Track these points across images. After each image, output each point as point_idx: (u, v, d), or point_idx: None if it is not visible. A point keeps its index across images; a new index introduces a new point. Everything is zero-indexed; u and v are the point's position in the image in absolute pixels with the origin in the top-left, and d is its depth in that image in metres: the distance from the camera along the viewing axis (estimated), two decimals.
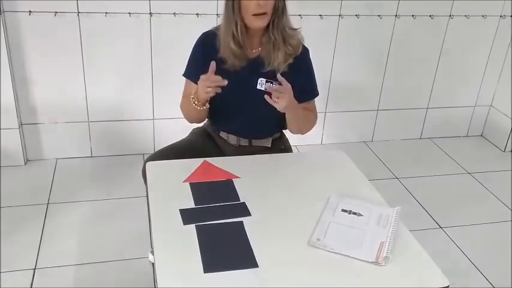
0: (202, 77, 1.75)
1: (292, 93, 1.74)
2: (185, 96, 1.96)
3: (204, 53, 1.88)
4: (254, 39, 1.86)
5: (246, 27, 1.80)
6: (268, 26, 1.80)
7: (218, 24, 1.91)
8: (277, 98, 1.71)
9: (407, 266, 1.35)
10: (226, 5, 1.79)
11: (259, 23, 1.77)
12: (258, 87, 1.85)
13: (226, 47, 1.81)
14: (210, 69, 1.74)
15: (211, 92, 1.74)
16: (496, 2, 3.28)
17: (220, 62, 1.84)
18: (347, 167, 1.85)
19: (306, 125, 1.98)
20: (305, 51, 1.91)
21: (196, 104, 1.82)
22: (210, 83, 1.72)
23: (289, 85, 1.73)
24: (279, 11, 1.79)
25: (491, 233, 2.62)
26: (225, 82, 1.72)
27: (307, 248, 1.38)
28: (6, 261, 2.20)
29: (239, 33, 1.78)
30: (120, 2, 2.74)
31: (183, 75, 1.96)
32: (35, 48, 2.76)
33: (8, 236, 2.35)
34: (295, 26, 1.88)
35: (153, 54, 2.91)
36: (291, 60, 1.85)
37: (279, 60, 1.82)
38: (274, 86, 1.71)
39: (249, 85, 1.85)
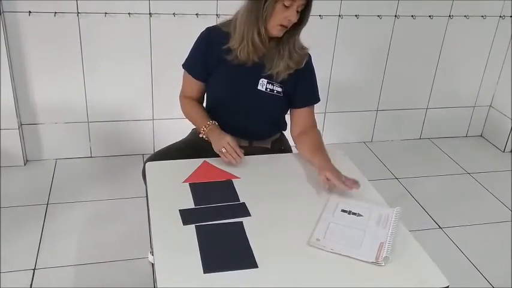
0: (233, 144, 1.76)
1: (332, 171, 1.66)
2: (186, 96, 1.97)
3: (207, 49, 1.88)
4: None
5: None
6: (281, 36, 1.79)
7: (224, 20, 1.89)
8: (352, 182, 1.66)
9: (407, 266, 1.35)
10: (255, 5, 1.73)
11: (278, 33, 1.76)
12: (259, 87, 1.85)
13: (249, 42, 1.76)
14: (238, 150, 1.76)
15: (221, 155, 1.77)
16: (495, 2, 3.29)
17: (221, 59, 1.83)
18: (347, 167, 1.84)
19: None
20: (308, 57, 1.89)
21: (203, 137, 1.86)
22: (232, 152, 1.75)
23: (333, 179, 1.65)
24: (297, 30, 1.78)
25: (491, 233, 2.62)
26: (238, 162, 1.76)
27: (307, 249, 1.38)
28: (6, 262, 2.20)
29: (263, 33, 1.76)
30: (119, 2, 2.74)
31: (183, 66, 1.96)
32: (35, 49, 2.76)
33: (7, 236, 2.35)
34: (304, 45, 1.86)
35: (153, 54, 2.91)
36: (291, 71, 1.84)
37: (280, 69, 1.81)
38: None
39: (250, 84, 1.85)
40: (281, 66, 1.81)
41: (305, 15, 1.76)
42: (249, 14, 1.75)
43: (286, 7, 1.70)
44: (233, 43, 1.80)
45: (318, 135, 1.93)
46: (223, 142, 1.77)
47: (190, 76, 1.94)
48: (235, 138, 1.89)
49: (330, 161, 1.74)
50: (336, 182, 1.62)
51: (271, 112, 1.94)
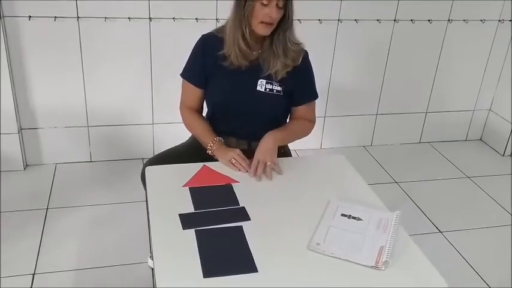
0: (242, 156, 1.78)
1: (263, 149, 1.78)
2: (187, 106, 1.98)
3: (203, 56, 1.89)
4: (256, 40, 1.86)
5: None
6: (273, 34, 1.81)
7: (218, 26, 1.91)
8: (269, 170, 1.75)
9: (406, 270, 1.34)
10: (238, 7, 1.78)
11: (265, 31, 1.78)
12: (258, 88, 1.86)
13: (235, 47, 1.80)
14: (245, 163, 1.77)
15: (230, 165, 1.77)
16: (494, 6, 3.29)
17: (219, 64, 1.85)
18: (346, 171, 1.85)
19: (300, 136, 2.00)
20: (305, 54, 1.92)
21: (209, 152, 1.87)
22: (241, 161, 1.76)
23: (256, 155, 1.77)
24: (286, 24, 1.80)
25: (491, 237, 2.62)
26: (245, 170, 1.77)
27: (307, 253, 1.38)
28: (6, 266, 2.19)
29: (247, 35, 1.79)
30: (119, 6, 2.74)
31: (181, 75, 1.97)
32: (35, 53, 2.76)
33: (7, 240, 2.35)
34: (298, 40, 1.88)
35: (153, 59, 2.92)
36: (289, 68, 1.86)
37: (277, 68, 1.83)
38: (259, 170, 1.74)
39: (249, 86, 1.86)
40: (278, 66, 1.83)
41: (288, 8, 1.78)
42: (233, 19, 1.80)
43: (265, 5, 1.73)
44: (226, 50, 1.83)
45: (301, 124, 1.97)
46: (232, 154, 1.78)
47: (189, 84, 1.95)
48: (235, 141, 1.94)
49: (274, 138, 1.82)
50: (253, 165, 1.74)
51: (272, 112, 1.95)
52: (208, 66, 1.89)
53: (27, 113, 2.89)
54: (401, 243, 1.43)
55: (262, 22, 1.75)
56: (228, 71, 1.85)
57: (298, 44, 1.88)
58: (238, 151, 1.80)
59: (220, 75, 1.87)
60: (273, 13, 1.73)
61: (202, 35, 1.94)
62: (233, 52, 1.81)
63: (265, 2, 1.72)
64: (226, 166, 1.80)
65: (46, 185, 2.83)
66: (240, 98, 1.89)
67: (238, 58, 1.82)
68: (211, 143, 1.87)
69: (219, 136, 1.98)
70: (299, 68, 1.89)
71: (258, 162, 1.74)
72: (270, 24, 1.76)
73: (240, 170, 1.76)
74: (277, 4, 1.73)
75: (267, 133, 1.84)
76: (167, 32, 2.85)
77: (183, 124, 2.01)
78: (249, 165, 1.76)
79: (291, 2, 1.78)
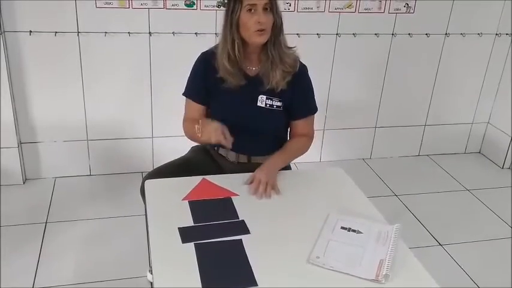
0: (219, 127, 1.73)
1: (265, 171, 1.77)
2: (188, 119, 1.98)
3: (204, 73, 1.91)
4: (252, 56, 1.88)
5: (243, 44, 1.82)
6: (266, 44, 1.83)
7: (217, 43, 1.93)
8: (269, 189, 1.73)
9: (406, 283, 1.34)
10: (224, 23, 1.81)
11: (260, 39, 1.79)
12: (259, 104, 1.87)
13: (223, 67, 1.82)
14: (226, 130, 1.74)
15: (217, 141, 1.75)
16: (491, 20, 3.32)
17: (219, 81, 1.86)
18: (346, 184, 1.85)
19: (299, 155, 2.00)
20: (303, 68, 1.94)
21: (199, 137, 1.83)
22: (223, 135, 1.73)
23: (258, 175, 1.76)
24: (277, 29, 1.82)
25: (491, 249, 2.61)
26: (230, 146, 1.77)
27: (307, 266, 1.38)
28: (4, 281, 2.18)
29: (236, 52, 1.80)
30: (119, 21, 2.76)
31: (184, 94, 1.98)
32: (35, 68, 2.77)
33: (6, 255, 2.34)
34: (291, 45, 1.90)
35: (152, 73, 2.93)
36: (289, 78, 1.87)
37: (277, 78, 1.84)
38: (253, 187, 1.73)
39: (249, 102, 1.87)
40: (278, 75, 1.83)
41: (274, 13, 1.79)
42: (221, 37, 1.83)
43: (251, 12, 1.74)
44: (219, 73, 1.85)
45: (301, 142, 1.97)
46: (212, 134, 1.74)
47: (192, 102, 1.95)
48: (235, 154, 1.95)
49: (276, 162, 1.84)
50: (254, 184, 1.73)
51: (272, 127, 1.96)
52: (209, 84, 1.90)
53: (27, 127, 2.90)
54: (401, 256, 1.43)
55: (255, 31, 1.76)
56: (229, 88, 1.86)
57: (291, 47, 1.89)
58: (218, 135, 1.72)
59: (221, 91, 1.88)
60: (261, 18, 1.74)
61: (202, 53, 1.95)
62: (224, 74, 1.83)
63: (250, 8, 1.73)
64: (225, 177, 1.82)
65: (45, 199, 2.83)
66: (241, 114, 1.89)
67: (230, 80, 1.83)
68: (198, 127, 1.81)
69: (218, 147, 1.99)
70: (298, 81, 1.90)
71: (260, 182, 1.73)
72: (264, 30, 1.77)
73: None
74: (264, 8, 1.74)
75: (271, 156, 1.86)
76: (167, 47, 2.87)
77: (182, 137, 2.01)
78: (228, 140, 1.73)
79: (276, 6, 1.80)
